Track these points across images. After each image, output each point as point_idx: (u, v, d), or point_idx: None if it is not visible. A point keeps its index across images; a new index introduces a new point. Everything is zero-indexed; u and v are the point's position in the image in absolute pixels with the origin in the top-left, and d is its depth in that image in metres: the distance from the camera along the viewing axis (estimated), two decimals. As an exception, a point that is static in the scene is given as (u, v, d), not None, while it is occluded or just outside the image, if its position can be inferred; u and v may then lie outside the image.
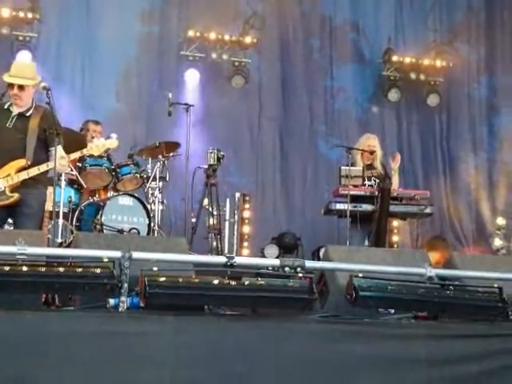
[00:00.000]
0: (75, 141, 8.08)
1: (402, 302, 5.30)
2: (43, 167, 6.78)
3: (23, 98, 6.90)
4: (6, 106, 6.97)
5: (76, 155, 7.11)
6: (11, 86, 6.87)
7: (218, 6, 12.52)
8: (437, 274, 5.41)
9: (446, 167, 13.63)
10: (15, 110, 6.91)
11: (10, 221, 6.98)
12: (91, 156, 9.12)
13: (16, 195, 6.72)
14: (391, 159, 9.54)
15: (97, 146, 7.18)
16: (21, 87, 6.85)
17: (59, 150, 6.82)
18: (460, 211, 13.44)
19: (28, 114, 6.89)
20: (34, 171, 6.76)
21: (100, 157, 9.19)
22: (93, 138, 9.25)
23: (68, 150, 7.07)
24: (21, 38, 11.40)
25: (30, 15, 11.34)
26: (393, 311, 5.65)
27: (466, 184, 13.62)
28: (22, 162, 6.74)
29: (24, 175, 6.72)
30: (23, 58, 10.97)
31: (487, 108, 13.83)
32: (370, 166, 9.33)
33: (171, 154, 9.70)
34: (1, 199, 6.71)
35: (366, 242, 8.83)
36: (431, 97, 13.42)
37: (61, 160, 6.83)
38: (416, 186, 12.59)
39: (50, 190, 7.82)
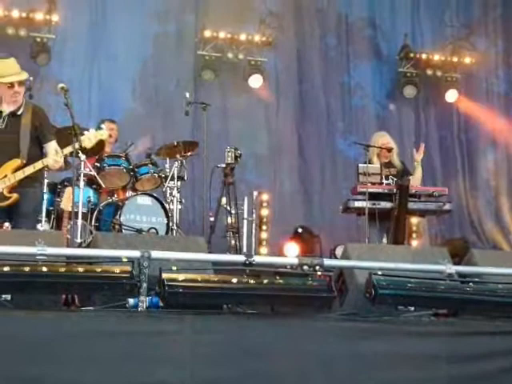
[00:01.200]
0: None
1: (422, 300, 5.28)
2: (38, 165, 6.70)
3: (21, 94, 6.86)
4: None
5: (68, 150, 6.84)
6: (11, 85, 6.77)
7: (234, 6, 12.53)
8: (456, 271, 5.39)
9: (465, 163, 13.57)
10: (6, 110, 6.83)
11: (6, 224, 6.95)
12: (110, 156, 9.18)
13: (14, 195, 6.67)
14: (415, 150, 9.47)
15: (88, 138, 6.92)
16: (20, 83, 6.80)
17: (54, 145, 6.77)
18: (479, 207, 13.38)
19: (19, 113, 6.81)
20: (29, 169, 6.68)
21: (118, 157, 9.24)
22: (110, 136, 9.26)
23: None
24: (38, 40, 11.44)
25: (47, 17, 11.37)
26: (412, 309, 5.63)
27: (485, 180, 13.55)
28: (17, 162, 6.68)
29: (20, 175, 6.66)
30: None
31: (506, 102, 13.75)
32: (389, 164, 9.29)
33: (189, 154, 9.71)
34: (0, 201, 6.66)
35: (385, 240, 8.79)
36: (449, 92, 13.36)
37: (55, 156, 6.73)
38: (434, 182, 12.55)
39: (69, 190, 7.88)
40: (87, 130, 7.70)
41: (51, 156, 6.73)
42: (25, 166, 6.70)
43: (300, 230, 11.63)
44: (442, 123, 13.64)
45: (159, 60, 12.29)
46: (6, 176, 6.67)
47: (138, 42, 12.06)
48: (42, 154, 6.86)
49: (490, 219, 13.34)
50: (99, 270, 4.76)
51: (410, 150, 9.93)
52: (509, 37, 13.81)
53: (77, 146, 6.81)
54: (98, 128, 7.48)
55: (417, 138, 13.35)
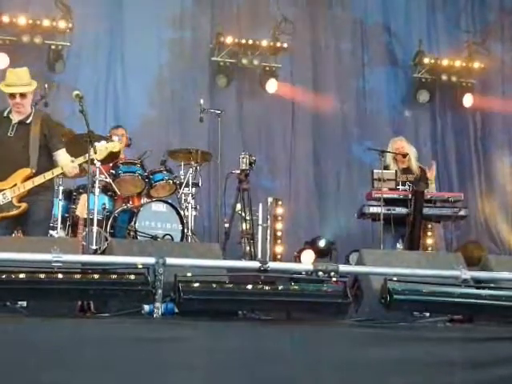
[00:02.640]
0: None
1: (437, 305, 5.27)
2: (48, 175, 6.73)
3: (25, 106, 6.89)
4: (5, 114, 6.93)
5: (80, 161, 6.86)
6: (12, 95, 6.82)
7: (249, 12, 12.57)
8: (472, 277, 5.37)
9: (481, 169, 13.53)
10: (15, 118, 6.88)
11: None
12: (125, 163, 9.21)
13: (23, 205, 6.69)
14: (427, 168, 9.45)
15: (100, 150, 6.95)
16: (22, 95, 6.83)
17: (64, 154, 6.79)
18: (495, 213, 13.33)
19: (28, 121, 6.86)
20: (39, 179, 6.72)
21: (133, 164, 9.27)
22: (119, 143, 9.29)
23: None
24: (53, 48, 11.49)
25: (62, 25, 11.42)
26: (428, 314, 5.62)
27: (501, 185, 13.50)
28: (27, 171, 6.72)
29: (30, 184, 6.69)
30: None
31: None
32: (407, 170, 9.27)
33: (203, 161, 9.73)
34: (9, 209, 6.69)
35: (399, 245, 8.78)
36: (466, 98, 13.33)
37: (70, 164, 6.75)
38: (451, 188, 12.52)
39: (84, 197, 7.90)
40: (104, 137, 7.74)
41: (68, 165, 6.74)
42: (34, 175, 6.72)
43: (315, 237, 11.61)
44: (457, 128, 13.61)
45: (174, 66, 12.32)
46: (15, 185, 6.70)
47: (153, 48, 12.11)
48: (51, 163, 6.88)
49: (506, 224, 13.29)
50: (114, 276, 4.77)
51: (426, 154, 9.92)
52: (525, 41, 13.78)
53: (87, 157, 6.83)
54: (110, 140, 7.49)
55: (433, 144, 13.34)
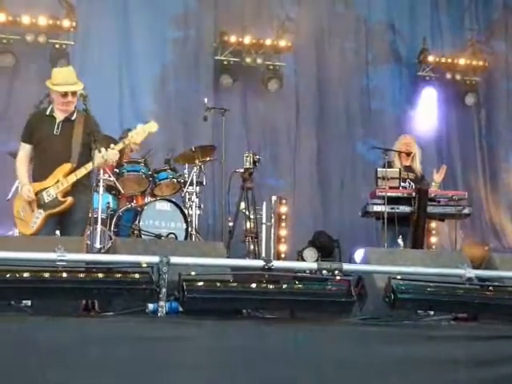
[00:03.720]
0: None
1: (441, 304, 5.27)
2: (89, 165, 6.70)
3: (75, 103, 6.92)
4: (47, 113, 6.95)
5: (120, 146, 6.99)
6: (64, 94, 6.84)
7: (252, 11, 12.57)
8: (476, 275, 5.37)
9: (486, 167, 13.52)
10: (60, 116, 6.89)
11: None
12: (129, 162, 9.21)
13: (69, 199, 6.70)
14: (435, 170, 9.44)
15: (137, 133, 7.05)
16: (73, 93, 6.86)
17: (104, 152, 6.80)
18: (500, 211, 13.32)
19: (73, 119, 6.89)
20: (81, 172, 6.72)
21: (137, 162, 9.28)
22: (134, 144, 9.30)
23: None
24: (57, 46, 11.50)
25: (66, 23, 11.43)
26: (432, 313, 5.61)
27: (506, 184, 13.49)
28: (68, 166, 6.73)
29: (73, 178, 6.70)
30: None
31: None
32: (409, 168, 9.27)
33: (207, 159, 9.74)
34: (55, 206, 6.70)
35: (401, 243, 8.74)
36: (468, 96, 13.33)
37: (110, 151, 6.80)
38: (455, 186, 12.51)
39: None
40: (112, 138, 7.76)
41: (109, 151, 6.79)
42: (75, 169, 6.73)
43: (316, 232, 11.59)
44: (462, 127, 13.60)
45: (178, 65, 12.33)
46: (58, 181, 6.72)
47: (157, 47, 12.12)
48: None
49: (511, 223, 13.27)
50: (119, 275, 4.78)
51: (430, 153, 9.91)
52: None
53: (126, 142, 7.01)
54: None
55: (437, 142, 13.32)
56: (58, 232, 6.79)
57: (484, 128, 13.65)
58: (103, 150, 6.70)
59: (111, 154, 6.82)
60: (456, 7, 13.66)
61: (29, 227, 6.73)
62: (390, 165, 9.06)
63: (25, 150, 6.95)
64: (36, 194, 6.72)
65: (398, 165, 9.21)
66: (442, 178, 9.40)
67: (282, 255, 11.09)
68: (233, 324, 4.83)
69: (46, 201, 6.70)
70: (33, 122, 7.02)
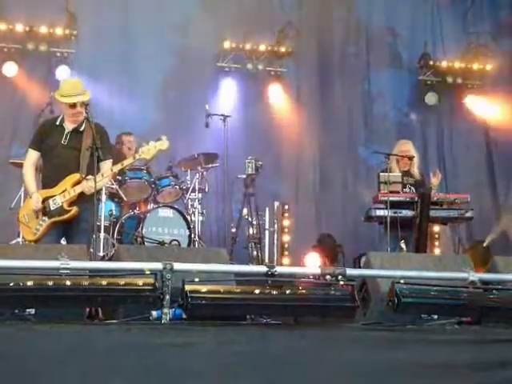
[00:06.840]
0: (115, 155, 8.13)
1: (445, 308, 5.27)
2: (98, 177, 6.68)
3: (83, 114, 6.93)
4: (57, 123, 6.98)
5: (129, 161, 7.11)
6: (73, 105, 6.87)
7: (253, 17, 12.57)
8: (479, 279, 5.37)
9: (490, 170, 13.49)
10: (69, 127, 6.93)
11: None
12: (131, 169, 9.21)
13: (74, 208, 6.73)
14: (432, 174, 9.44)
15: (148, 149, 7.03)
16: (82, 104, 6.88)
17: (109, 165, 6.83)
18: (504, 214, 13.29)
19: (81, 129, 6.91)
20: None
21: (139, 169, 9.28)
22: (129, 149, 9.37)
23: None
24: (58, 55, 11.53)
25: (67, 32, 11.46)
26: (436, 317, 5.61)
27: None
28: (76, 176, 6.76)
29: (79, 188, 6.73)
30: (65, 74, 11.13)
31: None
32: (407, 173, 9.27)
33: (210, 166, 9.74)
34: (60, 214, 6.72)
35: (404, 246, 8.74)
36: (472, 99, 13.33)
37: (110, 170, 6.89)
38: (458, 189, 12.49)
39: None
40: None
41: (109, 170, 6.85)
42: (83, 180, 6.75)
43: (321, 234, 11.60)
44: (465, 130, 13.57)
45: (180, 72, 12.33)
46: (65, 190, 6.76)
47: (158, 54, 12.12)
48: (99, 171, 6.87)
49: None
50: (122, 282, 4.79)
51: (432, 157, 9.91)
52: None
53: (137, 157, 7.03)
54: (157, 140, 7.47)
55: (439, 146, 13.32)
56: (63, 242, 6.81)
57: (488, 131, 13.60)
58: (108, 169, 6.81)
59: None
60: (457, 11, 13.66)
61: (32, 233, 6.76)
62: (389, 171, 9.06)
63: (32, 158, 7.00)
64: (43, 202, 6.75)
65: (396, 170, 9.21)
66: (439, 181, 9.40)
67: (285, 260, 11.08)
68: (236, 330, 4.83)
69: (52, 208, 6.73)
70: (43, 130, 7.07)
